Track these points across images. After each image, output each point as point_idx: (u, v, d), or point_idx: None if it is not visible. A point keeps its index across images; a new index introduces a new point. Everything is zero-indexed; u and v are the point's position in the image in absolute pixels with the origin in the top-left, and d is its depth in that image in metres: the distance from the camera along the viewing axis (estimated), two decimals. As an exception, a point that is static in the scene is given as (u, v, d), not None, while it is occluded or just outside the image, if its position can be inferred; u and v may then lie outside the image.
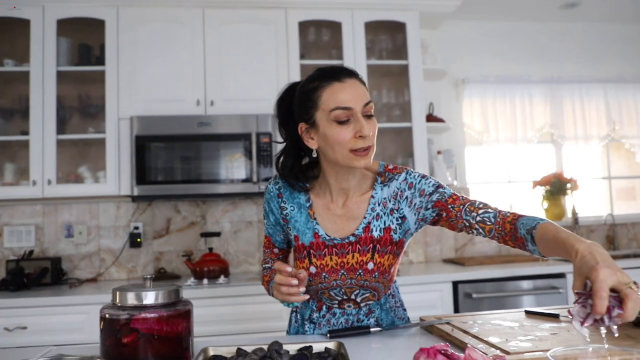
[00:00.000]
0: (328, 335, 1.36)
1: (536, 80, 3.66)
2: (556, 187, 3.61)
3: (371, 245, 1.37)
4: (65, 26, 3.00)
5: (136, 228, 3.20)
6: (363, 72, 3.14)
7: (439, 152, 3.35)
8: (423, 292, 2.81)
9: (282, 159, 1.43)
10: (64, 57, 3.00)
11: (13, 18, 2.93)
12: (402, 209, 1.38)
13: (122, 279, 3.18)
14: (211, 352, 1.17)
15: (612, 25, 3.85)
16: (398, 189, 1.38)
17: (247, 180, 2.89)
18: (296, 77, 3.07)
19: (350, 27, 3.18)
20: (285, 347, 1.16)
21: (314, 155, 1.39)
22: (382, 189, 1.39)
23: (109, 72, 2.95)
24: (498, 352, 1.09)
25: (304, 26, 3.20)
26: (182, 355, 1.17)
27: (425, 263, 3.45)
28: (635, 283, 0.87)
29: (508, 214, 1.27)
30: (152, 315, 1.14)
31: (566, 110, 3.67)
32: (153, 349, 1.13)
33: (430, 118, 3.37)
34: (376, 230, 1.37)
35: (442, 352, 0.96)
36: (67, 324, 2.53)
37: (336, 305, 1.46)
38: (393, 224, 1.37)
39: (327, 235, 1.39)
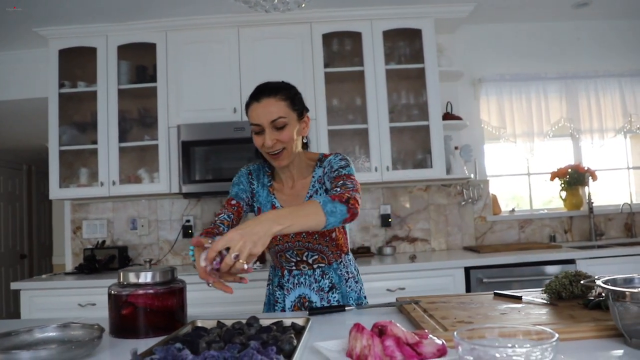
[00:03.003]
0: (307, 312, 1.41)
1: (552, 77, 3.49)
2: (573, 178, 3.44)
3: None
4: (124, 51, 3.21)
5: (187, 221, 3.37)
6: (382, 77, 3.14)
7: (456, 148, 3.29)
8: (438, 277, 2.78)
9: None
10: (124, 77, 3.21)
11: (83, 47, 3.18)
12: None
13: (177, 264, 3.36)
14: (198, 324, 1.25)
15: (624, 22, 3.60)
16: (325, 166, 1.56)
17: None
18: (321, 84, 3.12)
19: (369, 36, 3.18)
20: (261, 321, 1.21)
21: None
22: (318, 170, 1.59)
23: (160, 87, 3.12)
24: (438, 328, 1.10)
25: (327, 38, 3.23)
26: (173, 325, 1.26)
27: (447, 251, 3.40)
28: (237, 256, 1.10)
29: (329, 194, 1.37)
30: (148, 291, 1.23)
31: (582, 104, 3.47)
32: (147, 320, 1.22)
33: (448, 116, 3.31)
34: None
35: (380, 327, 0.98)
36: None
37: (294, 268, 1.61)
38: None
39: (281, 206, 1.58)
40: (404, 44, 3.35)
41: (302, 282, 1.60)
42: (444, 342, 0.93)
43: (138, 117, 3.33)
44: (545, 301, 1.31)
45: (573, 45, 3.61)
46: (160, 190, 3.09)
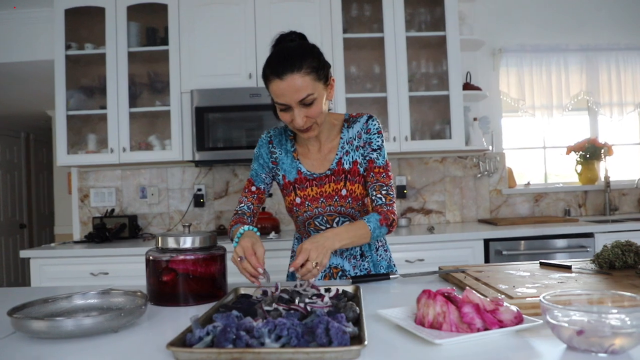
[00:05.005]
0: (351, 280, 1.35)
1: (572, 49, 3.40)
2: (590, 152, 3.38)
3: (343, 175, 1.47)
4: (134, 11, 3.07)
5: (199, 190, 3.29)
6: (402, 44, 3.03)
7: (474, 119, 3.21)
8: (457, 249, 2.74)
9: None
10: (133, 39, 3.08)
11: (90, 7, 3.03)
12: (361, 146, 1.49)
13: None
14: (242, 291, 1.19)
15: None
16: (361, 129, 1.49)
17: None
18: (340, 50, 3.01)
19: (390, 1, 3.06)
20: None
21: None
22: (348, 131, 1.50)
23: (172, 51, 3.00)
24: (503, 297, 1.04)
25: (346, 2, 3.10)
26: (216, 293, 1.20)
27: (462, 223, 3.36)
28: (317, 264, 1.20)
29: (376, 212, 1.41)
30: (188, 257, 1.16)
31: (602, 78, 3.39)
32: (189, 287, 1.16)
33: (467, 86, 3.22)
34: (346, 164, 1.48)
35: (445, 294, 0.92)
36: (141, 271, 2.63)
37: None
38: (359, 158, 1.48)
39: (308, 172, 1.50)
40: (425, 10, 3.22)
41: (333, 252, 1.49)
42: (519, 309, 0.88)
43: (148, 81, 3.20)
44: (594, 271, 1.26)
45: (594, 17, 3.50)
46: (173, 158, 3.00)
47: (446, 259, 2.67)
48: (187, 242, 1.18)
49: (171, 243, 1.18)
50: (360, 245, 1.43)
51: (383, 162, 1.46)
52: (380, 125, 1.49)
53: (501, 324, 0.84)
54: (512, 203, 3.43)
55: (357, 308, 0.95)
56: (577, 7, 3.49)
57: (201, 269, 1.17)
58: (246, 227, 1.33)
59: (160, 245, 1.20)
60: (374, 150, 1.47)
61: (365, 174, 1.48)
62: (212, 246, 1.23)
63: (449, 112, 3.06)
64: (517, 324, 0.86)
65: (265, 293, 1.12)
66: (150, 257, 1.19)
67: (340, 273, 1.53)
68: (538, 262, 1.42)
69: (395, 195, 1.47)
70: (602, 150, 3.35)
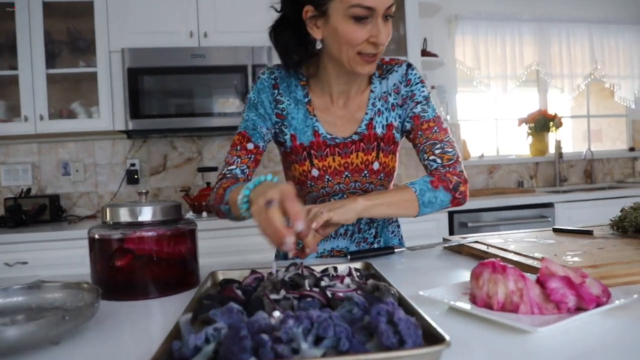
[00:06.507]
0: (349, 257, 1.11)
1: (526, 19, 3.34)
2: (540, 124, 3.37)
3: (375, 143, 1.15)
4: (49, -46, 2.58)
5: (132, 165, 2.89)
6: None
7: (432, 87, 3.06)
8: (419, 223, 2.56)
9: (279, 29, 1.10)
10: (49, -12, 2.59)
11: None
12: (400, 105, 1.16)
13: (121, 216, 2.89)
14: (220, 277, 0.92)
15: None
16: (400, 82, 1.15)
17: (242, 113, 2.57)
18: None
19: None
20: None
21: (319, 46, 1.10)
22: (380, 83, 1.16)
23: (98, 3, 2.55)
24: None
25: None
26: (187, 280, 0.92)
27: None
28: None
29: (431, 174, 1.12)
30: (150, 234, 0.87)
31: (553, 50, 3.38)
32: (151, 273, 0.87)
33: (424, 53, 3.05)
34: (379, 127, 1.15)
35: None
36: (68, 258, 2.26)
37: None
38: (395, 120, 1.16)
39: (328, 134, 1.14)
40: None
41: (341, 233, 1.21)
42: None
43: (69, 39, 2.73)
44: (618, 235, 1.13)
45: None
46: (101, 128, 2.58)
47: (411, 233, 2.48)
48: (147, 214, 0.88)
49: (124, 216, 0.88)
50: (405, 216, 1.08)
51: (433, 114, 1.14)
52: (419, 74, 1.17)
53: (598, 301, 0.64)
54: (467, 175, 3.34)
55: (395, 290, 0.71)
56: (529, -23, 3.43)
57: (167, 248, 0.88)
58: (263, 177, 0.86)
59: (108, 219, 0.89)
60: (419, 102, 1.14)
61: (412, 136, 1.15)
62: (180, 219, 0.94)
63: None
64: (607, 300, 0.66)
65: (255, 274, 0.86)
66: (96, 236, 0.88)
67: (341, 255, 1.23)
68: (551, 228, 1.26)
69: (458, 154, 1.14)
70: (552, 122, 3.34)
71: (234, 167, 1.11)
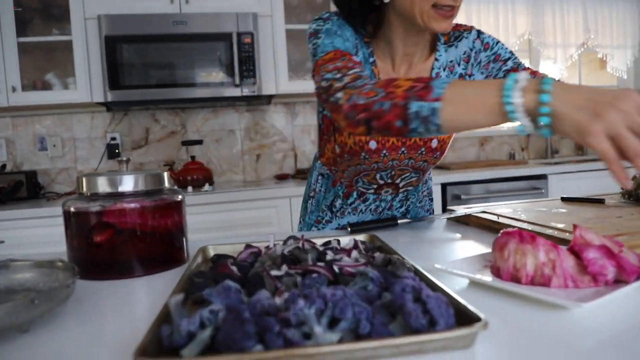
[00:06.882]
0: (348, 229, 1.03)
1: (519, -14, 3.24)
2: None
3: None
4: None
5: (113, 139, 2.76)
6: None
7: (424, 57, 2.96)
8: (411, 196, 2.52)
9: None
10: (17, -51, 2.41)
11: None
12: (474, 75, 1.05)
13: (103, 192, 2.78)
14: (212, 252, 0.83)
15: None
16: (471, 49, 1.04)
17: (227, 83, 2.45)
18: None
19: None
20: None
21: None
22: (446, 51, 1.04)
23: (70, -35, 2.39)
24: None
25: None
26: (175, 256, 0.83)
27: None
28: None
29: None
30: (132, 205, 0.78)
31: (547, 19, 3.29)
32: (135, 249, 0.78)
33: (415, 22, 2.95)
34: None
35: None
36: (47, 237, 2.16)
37: (372, 191, 1.12)
38: None
39: None
40: None
41: (371, 209, 1.15)
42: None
43: (41, 5, 2.56)
44: (629, 203, 1.07)
45: (538, -47, 3.35)
46: (78, 99, 2.44)
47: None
48: (128, 184, 0.79)
49: (103, 186, 0.79)
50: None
51: (522, 63, 1.05)
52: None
53: (639, 273, 0.58)
54: (458, 147, 3.28)
55: (410, 263, 0.64)
56: (522, -58, 3.31)
57: (152, 221, 0.79)
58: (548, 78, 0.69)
59: (85, 189, 0.79)
60: (508, 59, 1.03)
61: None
62: (164, 189, 0.85)
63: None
64: (644, 270, 0.60)
65: (251, 248, 0.78)
66: (72, 209, 0.78)
67: None
68: (559, 198, 1.20)
69: None
70: (544, 92, 3.27)
71: (356, 69, 0.85)
